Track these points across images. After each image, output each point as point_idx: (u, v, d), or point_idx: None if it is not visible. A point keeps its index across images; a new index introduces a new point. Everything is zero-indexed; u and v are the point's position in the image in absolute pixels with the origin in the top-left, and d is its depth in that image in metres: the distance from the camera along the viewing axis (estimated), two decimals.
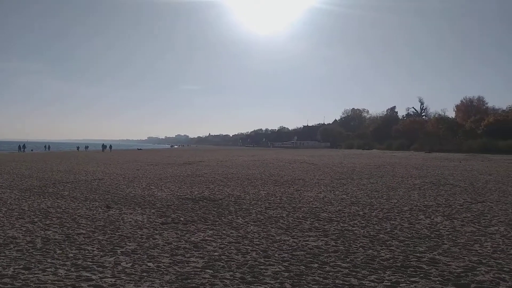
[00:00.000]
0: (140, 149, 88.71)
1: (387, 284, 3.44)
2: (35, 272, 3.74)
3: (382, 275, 3.67)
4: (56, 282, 3.47)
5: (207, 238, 5.07)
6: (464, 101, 72.05)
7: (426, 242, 4.89)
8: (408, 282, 3.48)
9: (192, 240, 4.96)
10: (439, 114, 76.21)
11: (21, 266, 3.88)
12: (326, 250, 4.52)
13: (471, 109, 68.20)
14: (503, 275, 3.65)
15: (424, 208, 7.45)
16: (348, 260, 4.13)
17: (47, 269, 3.81)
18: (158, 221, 6.19)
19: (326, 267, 3.88)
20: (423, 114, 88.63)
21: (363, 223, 6.05)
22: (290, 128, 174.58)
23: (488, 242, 4.89)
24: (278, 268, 3.86)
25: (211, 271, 3.76)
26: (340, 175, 14.94)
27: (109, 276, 3.63)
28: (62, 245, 4.70)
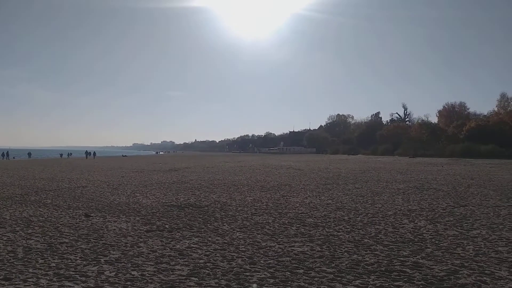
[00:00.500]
0: (125, 155, 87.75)
1: None
2: (16, 283, 3.66)
3: (366, 279, 3.70)
4: None
5: (192, 245, 5.04)
6: (446, 106, 73.45)
7: (410, 246, 4.95)
8: (392, 287, 3.52)
9: (177, 247, 4.92)
10: (422, 120, 77.50)
11: (1, 277, 3.79)
12: (311, 255, 4.54)
13: (453, 114, 69.54)
14: (485, 278, 3.72)
15: (408, 213, 7.55)
16: (333, 265, 4.15)
17: (28, 280, 3.73)
18: (143, 228, 6.12)
19: (311, 273, 3.90)
20: (406, 119, 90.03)
21: (348, 228, 6.10)
22: (276, 134, 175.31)
23: (470, 246, 4.98)
24: (264, 274, 3.86)
25: (196, 279, 3.73)
26: (325, 181, 15.03)
27: (92, 285, 3.58)
28: (44, 255, 4.61)
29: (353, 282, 3.64)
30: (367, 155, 61.17)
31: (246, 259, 4.41)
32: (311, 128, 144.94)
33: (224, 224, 6.49)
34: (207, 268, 4.05)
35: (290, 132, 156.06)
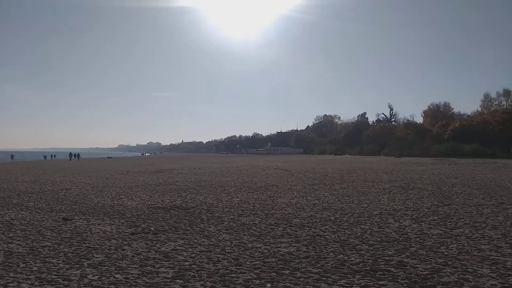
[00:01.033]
0: (110, 157, 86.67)
1: None
2: None
3: (351, 279, 3.71)
4: None
5: (178, 247, 4.99)
6: (431, 107, 74.62)
7: (395, 246, 4.99)
8: (376, 286, 3.54)
9: (163, 250, 4.87)
10: (408, 120, 78.61)
11: None
12: (297, 256, 4.54)
13: (438, 114, 70.68)
14: (467, 276, 3.77)
15: (393, 212, 7.62)
16: (319, 265, 4.16)
17: (9, 284, 3.65)
18: (128, 231, 6.05)
19: (297, 273, 3.90)
20: (392, 119, 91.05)
21: (334, 228, 6.13)
22: (264, 135, 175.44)
23: (454, 244, 5.05)
24: (250, 276, 3.84)
25: (181, 281, 3.70)
26: (312, 181, 15.09)
27: None
28: (26, 259, 4.51)
29: (338, 282, 3.65)
30: (354, 155, 61.68)
31: (232, 260, 4.39)
32: (299, 129, 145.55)
33: (210, 225, 6.46)
34: (193, 270, 4.02)
35: (277, 132, 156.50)
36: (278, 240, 5.37)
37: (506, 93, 64.75)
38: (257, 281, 3.67)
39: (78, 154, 71.03)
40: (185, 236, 5.65)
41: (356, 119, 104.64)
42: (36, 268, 4.14)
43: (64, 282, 3.72)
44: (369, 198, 9.80)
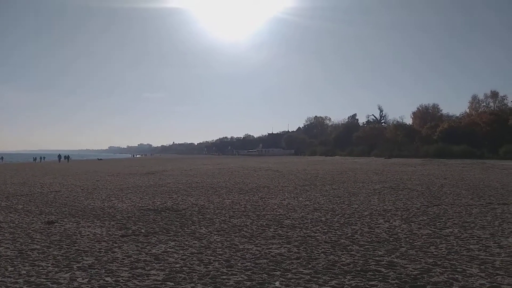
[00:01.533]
0: (101, 159, 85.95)
1: None
2: None
3: (342, 280, 3.73)
4: None
5: (168, 249, 4.97)
6: (420, 108, 75.26)
7: (385, 246, 5.03)
8: (367, 286, 3.56)
9: (153, 252, 4.84)
10: (397, 121, 79.20)
11: None
12: (288, 257, 4.55)
13: (427, 116, 71.35)
14: (456, 276, 3.81)
15: (384, 212, 7.68)
16: (310, 266, 4.17)
17: None
18: (118, 233, 6.00)
19: (288, 274, 3.90)
20: (382, 121, 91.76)
21: (325, 229, 6.15)
22: (255, 136, 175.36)
23: (443, 244, 5.10)
24: (241, 277, 3.84)
25: (172, 284, 3.68)
26: (303, 182, 15.13)
27: None
28: (15, 262, 4.45)
29: (329, 282, 3.66)
30: (344, 156, 61.99)
31: (223, 262, 4.38)
32: (290, 130, 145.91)
33: (202, 227, 6.44)
34: (183, 272, 4.00)
35: (269, 134, 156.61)
36: (269, 241, 5.38)
37: (494, 94, 65.67)
38: (249, 283, 3.67)
39: (68, 156, 70.23)
40: (176, 238, 5.62)
41: (347, 120, 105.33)
42: (24, 272, 4.09)
43: (53, 285, 3.67)
44: (360, 198, 9.86)
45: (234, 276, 3.87)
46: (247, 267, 4.16)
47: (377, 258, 4.44)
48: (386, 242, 5.23)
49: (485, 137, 49.44)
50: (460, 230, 5.98)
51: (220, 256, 4.62)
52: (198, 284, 3.65)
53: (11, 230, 6.37)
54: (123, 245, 5.24)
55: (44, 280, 3.83)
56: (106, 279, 3.83)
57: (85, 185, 15.33)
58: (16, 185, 15.48)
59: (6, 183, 16.58)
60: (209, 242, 5.38)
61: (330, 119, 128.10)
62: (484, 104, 66.74)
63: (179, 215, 7.71)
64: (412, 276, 3.80)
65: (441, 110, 74.54)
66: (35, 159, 76.43)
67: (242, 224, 6.68)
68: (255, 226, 6.44)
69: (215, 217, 7.43)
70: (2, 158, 73.16)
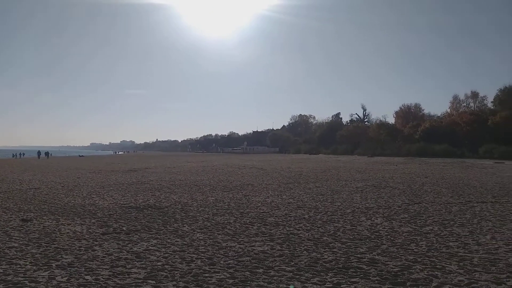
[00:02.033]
0: (82, 155, 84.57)
1: (329, 285, 3.52)
2: None
3: (324, 277, 3.75)
4: None
5: (150, 247, 4.91)
6: (402, 108, 76.22)
7: (367, 243, 5.08)
8: (349, 283, 3.59)
9: (135, 250, 4.78)
10: (380, 120, 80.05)
11: None
12: (271, 254, 4.55)
13: (409, 115, 72.33)
14: (436, 272, 3.88)
15: (366, 210, 7.76)
16: (292, 263, 4.18)
17: None
18: (99, 231, 5.91)
19: (271, 272, 3.90)
20: (365, 120, 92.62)
21: (308, 226, 6.18)
22: (240, 134, 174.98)
23: (423, 241, 5.18)
24: (223, 275, 3.82)
25: (154, 282, 3.64)
26: (287, 180, 15.19)
27: None
28: None
29: (311, 279, 3.68)
30: (328, 155, 62.46)
31: (206, 260, 4.35)
32: (274, 128, 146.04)
33: (185, 225, 6.39)
34: (165, 271, 3.96)
35: (253, 132, 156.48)
36: (253, 239, 5.37)
37: (474, 95, 67.04)
38: (231, 281, 3.66)
39: (47, 153, 68.83)
40: (158, 236, 5.56)
41: (331, 119, 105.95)
42: (1, 270, 3.99)
43: (31, 284, 3.59)
44: (342, 196, 9.95)
45: (217, 274, 3.85)
46: (230, 265, 4.14)
47: (358, 255, 4.48)
48: (368, 240, 5.29)
49: (465, 136, 50.47)
50: (440, 227, 6.09)
51: (202, 254, 4.59)
52: (180, 282, 3.62)
53: None
54: (104, 243, 5.16)
55: (22, 279, 3.74)
56: (86, 277, 3.76)
57: (66, 182, 15.06)
58: None
59: None
60: (191, 240, 5.34)
61: (314, 117, 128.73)
62: (465, 104, 68.09)
63: (161, 212, 7.64)
64: (393, 273, 3.85)
65: (423, 110, 75.73)
66: (14, 155, 74.71)
67: (226, 221, 6.65)
68: (239, 224, 6.43)
69: (198, 214, 7.39)
70: None
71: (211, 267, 4.09)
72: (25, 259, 4.40)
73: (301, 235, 5.59)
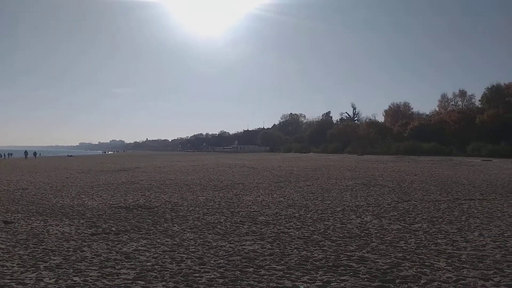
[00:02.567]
0: (71, 155, 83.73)
1: (319, 284, 3.53)
2: None
3: (314, 275, 3.76)
4: None
5: (140, 248, 4.88)
6: (392, 106, 76.91)
7: (356, 241, 5.11)
8: (338, 281, 3.60)
9: (124, 250, 4.74)
10: (370, 119, 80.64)
11: None
12: (262, 253, 4.55)
13: (398, 114, 73.01)
14: (425, 269, 3.91)
15: (356, 208, 7.81)
16: (282, 262, 4.19)
17: None
18: (87, 232, 5.85)
19: (261, 271, 3.90)
20: (355, 118, 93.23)
21: (298, 225, 6.19)
22: (231, 133, 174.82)
23: (412, 239, 5.23)
24: (213, 275, 3.81)
25: (143, 283, 3.61)
26: (278, 178, 15.21)
27: None
28: None
29: (301, 278, 3.68)
30: (318, 153, 62.70)
31: (196, 260, 4.34)
32: (265, 127, 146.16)
33: (175, 225, 6.36)
34: (155, 271, 3.94)
35: (244, 131, 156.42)
36: (243, 238, 5.37)
37: (462, 93, 67.91)
38: (221, 280, 3.65)
39: (35, 152, 67.93)
40: (148, 236, 5.53)
41: (321, 118, 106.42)
42: None
43: (18, 286, 3.54)
44: (333, 195, 10.00)
45: (207, 274, 3.83)
46: (220, 264, 4.13)
47: (348, 253, 4.51)
48: (357, 237, 5.32)
49: (454, 134, 51.10)
50: (428, 225, 6.15)
51: (193, 254, 4.57)
52: (169, 283, 3.60)
53: None
54: (93, 243, 5.11)
55: (9, 280, 3.68)
56: (74, 278, 3.72)
57: (54, 182, 14.89)
58: None
59: None
60: (182, 239, 5.32)
61: (305, 116, 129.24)
62: (453, 102, 68.96)
63: (151, 212, 7.59)
64: (382, 271, 3.88)
65: (412, 108, 76.49)
66: (1, 155, 73.58)
67: (216, 221, 6.64)
68: (229, 223, 6.42)
69: (188, 214, 7.36)
70: None
71: (201, 267, 4.08)
72: (12, 261, 4.33)
73: (291, 233, 5.60)
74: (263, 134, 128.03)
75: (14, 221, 6.75)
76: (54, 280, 3.70)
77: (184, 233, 5.70)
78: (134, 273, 3.88)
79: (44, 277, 3.77)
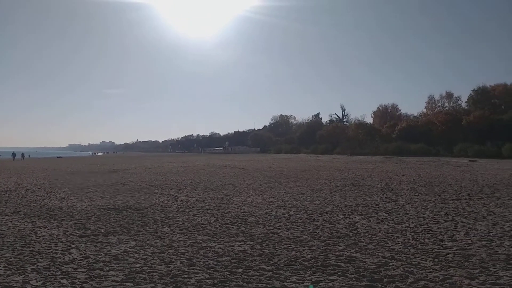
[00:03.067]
0: (60, 157, 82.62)
1: (308, 284, 3.56)
2: None
3: (303, 275, 3.79)
4: None
5: (129, 249, 4.86)
6: (380, 108, 77.58)
7: (345, 241, 5.15)
8: (327, 281, 3.63)
9: (113, 252, 4.72)
10: (359, 120, 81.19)
11: None
12: (251, 254, 4.57)
13: (387, 115, 73.63)
14: (412, 269, 3.97)
15: (344, 208, 7.87)
16: (272, 262, 4.21)
17: None
18: (76, 234, 5.80)
19: (250, 271, 3.92)
20: (344, 120, 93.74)
21: (288, 225, 6.22)
22: (221, 134, 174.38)
23: (400, 238, 5.29)
24: (202, 276, 3.81)
25: (131, 284, 3.60)
26: (268, 179, 15.24)
27: None
28: None
29: (290, 278, 3.71)
30: (308, 154, 62.94)
31: (185, 261, 4.33)
32: (256, 128, 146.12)
33: (164, 226, 6.34)
34: (144, 273, 3.93)
35: (235, 132, 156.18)
36: (233, 238, 5.37)
37: (449, 95, 68.79)
38: (210, 281, 3.65)
39: (23, 154, 66.97)
40: (137, 238, 5.50)
41: (311, 119, 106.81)
42: None
43: None
44: (322, 195, 10.05)
45: (196, 275, 3.84)
46: (209, 265, 4.14)
47: (337, 253, 4.55)
48: (346, 237, 5.36)
49: (441, 135, 51.73)
50: (416, 224, 6.23)
51: (182, 255, 4.57)
52: (158, 284, 3.59)
53: None
54: (81, 245, 5.07)
55: None
56: (62, 281, 3.70)
57: (43, 184, 14.71)
58: None
59: None
60: (171, 241, 5.30)
61: (295, 117, 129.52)
62: (440, 104, 69.79)
63: (141, 214, 7.55)
64: (370, 270, 3.92)
65: (400, 110, 77.23)
66: None
67: (206, 222, 6.63)
68: (219, 224, 6.42)
69: (178, 215, 7.34)
70: None
71: (191, 268, 4.08)
72: None
73: (281, 234, 5.63)
74: (254, 135, 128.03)
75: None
76: (41, 282, 3.67)
77: (174, 234, 5.69)
78: (123, 274, 3.86)
79: (31, 280, 3.74)
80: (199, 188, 12.35)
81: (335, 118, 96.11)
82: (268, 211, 7.65)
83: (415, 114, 72.76)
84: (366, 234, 5.58)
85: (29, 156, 75.17)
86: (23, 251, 4.80)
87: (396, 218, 6.77)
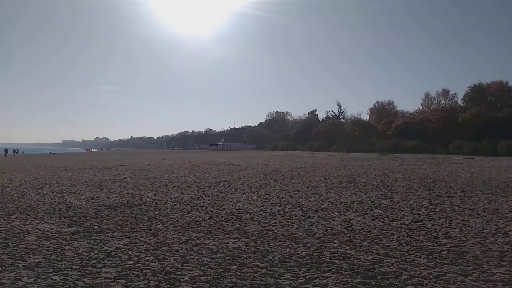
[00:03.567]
0: (54, 153, 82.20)
1: (302, 281, 3.55)
2: None
3: (297, 272, 3.77)
4: None
5: (122, 246, 4.82)
6: (376, 105, 77.69)
7: (340, 238, 5.15)
8: (321, 278, 3.62)
9: (106, 249, 4.68)
10: (355, 117, 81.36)
11: None
12: (245, 251, 4.54)
13: (383, 112, 73.77)
14: (406, 266, 3.96)
15: (340, 206, 7.86)
16: (266, 259, 4.19)
17: None
18: (69, 230, 5.75)
19: (244, 268, 3.90)
20: (341, 117, 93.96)
21: (283, 222, 6.21)
22: (217, 131, 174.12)
23: (395, 235, 5.29)
24: (196, 272, 3.79)
25: (124, 281, 3.56)
26: (264, 176, 15.23)
27: None
28: None
29: (284, 275, 3.69)
30: (304, 151, 63.03)
31: (179, 258, 4.30)
32: (251, 125, 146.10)
33: (158, 223, 6.30)
34: (137, 269, 3.89)
35: (230, 128, 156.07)
36: (227, 235, 5.35)
37: (445, 92, 69.05)
38: (204, 278, 3.63)
39: (15, 150, 66.50)
40: (131, 234, 5.47)
41: (307, 116, 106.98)
42: None
43: None
44: (317, 192, 10.05)
45: (190, 272, 3.81)
46: (203, 262, 4.11)
47: (331, 250, 4.54)
48: (341, 234, 5.36)
49: (437, 133, 51.91)
50: (411, 221, 6.23)
51: (176, 252, 4.54)
52: (151, 281, 3.56)
53: None
54: (74, 242, 5.02)
55: None
56: (54, 278, 3.66)
57: (35, 180, 14.60)
58: None
59: None
60: (165, 238, 5.27)
61: (291, 114, 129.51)
62: (436, 101, 70.06)
63: (135, 210, 7.51)
64: (364, 267, 3.91)
65: (396, 107, 77.41)
66: None
67: (200, 219, 6.61)
68: (214, 221, 6.39)
69: (172, 212, 7.30)
70: None
71: (184, 265, 4.05)
72: None
73: (275, 231, 5.61)
74: (250, 132, 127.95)
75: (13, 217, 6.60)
76: (33, 279, 3.63)
77: (168, 231, 5.66)
78: (116, 271, 3.83)
79: (23, 277, 3.70)
80: (194, 185, 12.31)
81: (332, 115, 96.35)
82: (263, 208, 7.63)
83: (411, 111, 73.02)
84: (361, 231, 5.57)
85: (22, 152, 74.67)
86: (15, 248, 4.75)
87: (391, 215, 6.77)
